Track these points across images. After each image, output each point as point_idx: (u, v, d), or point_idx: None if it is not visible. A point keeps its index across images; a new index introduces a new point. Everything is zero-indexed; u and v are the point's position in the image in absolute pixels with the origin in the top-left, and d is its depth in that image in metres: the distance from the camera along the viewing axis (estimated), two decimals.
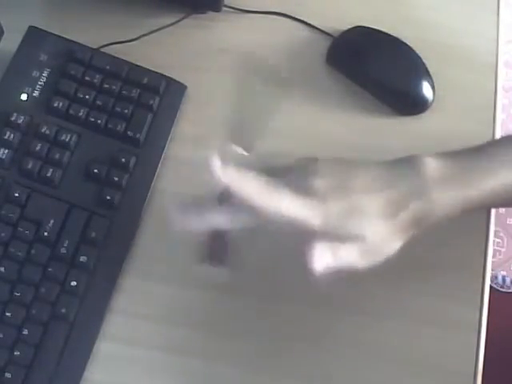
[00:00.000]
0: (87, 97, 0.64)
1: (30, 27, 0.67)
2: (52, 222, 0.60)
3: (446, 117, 0.68)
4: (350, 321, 0.61)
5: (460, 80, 0.69)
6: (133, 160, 0.63)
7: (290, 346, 0.60)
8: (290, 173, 0.51)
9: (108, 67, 0.66)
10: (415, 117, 0.68)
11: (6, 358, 0.57)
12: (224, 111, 0.68)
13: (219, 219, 0.52)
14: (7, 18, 0.66)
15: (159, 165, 0.65)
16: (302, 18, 0.71)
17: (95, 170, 0.63)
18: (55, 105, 0.64)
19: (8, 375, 0.57)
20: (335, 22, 0.71)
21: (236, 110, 0.67)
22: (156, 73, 0.66)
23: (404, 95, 0.68)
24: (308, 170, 0.51)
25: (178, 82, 0.67)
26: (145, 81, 0.65)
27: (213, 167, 0.49)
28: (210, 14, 0.71)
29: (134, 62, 0.67)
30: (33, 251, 0.60)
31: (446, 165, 0.52)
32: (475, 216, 0.65)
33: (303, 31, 0.71)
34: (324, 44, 0.70)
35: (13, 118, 0.63)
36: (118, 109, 0.64)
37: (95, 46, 0.67)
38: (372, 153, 0.66)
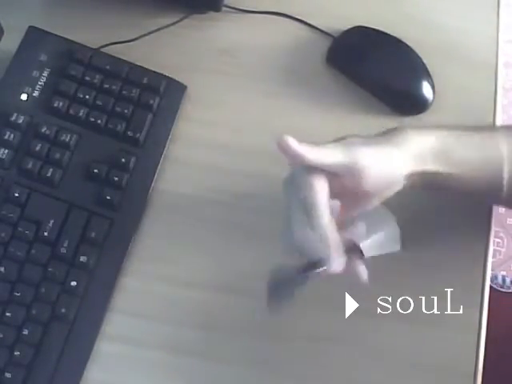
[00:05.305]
0: (87, 97, 0.64)
1: (30, 27, 0.67)
2: (52, 222, 0.60)
3: (445, 117, 0.68)
4: (350, 321, 0.60)
5: (460, 80, 0.69)
6: (133, 160, 0.63)
7: (290, 346, 0.61)
8: None
9: (108, 67, 0.66)
10: (415, 117, 0.68)
11: (6, 358, 0.57)
12: (224, 111, 0.68)
13: None
14: (7, 18, 0.66)
15: (159, 165, 0.64)
16: (302, 18, 0.71)
17: (95, 170, 0.63)
18: (55, 105, 0.64)
19: (8, 375, 0.57)
20: (335, 22, 0.71)
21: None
22: (156, 73, 0.66)
23: (404, 95, 0.68)
24: None
25: (178, 82, 0.67)
26: (145, 81, 0.65)
27: None
28: (210, 13, 0.71)
29: (134, 62, 0.67)
30: (33, 251, 0.60)
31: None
32: (475, 216, 0.65)
33: (303, 31, 0.71)
34: (324, 44, 0.70)
35: (13, 118, 0.63)
36: (118, 109, 0.64)
37: (95, 46, 0.67)
38: None
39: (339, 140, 0.53)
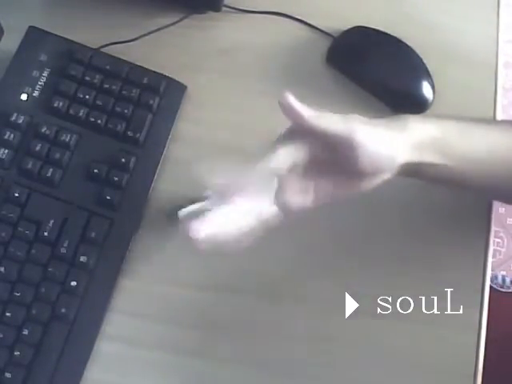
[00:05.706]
0: (87, 97, 0.64)
1: (30, 27, 0.67)
2: (52, 222, 0.60)
3: None
4: (350, 321, 0.61)
5: (460, 80, 0.69)
6: (133, 160, 0.63)
7: (290, 346, 0.60)
8: None
9: (108, 67, 0.66)
10: None
11: (6, 358, 0.57)
12: (224, 111, 0.68)
13: None
14: (7, 18, 0.66)
15: (159, 165, 0.64)
16: (302, 18, 0.71)
17: (95, 170, 0.63)
18: (55, 105, 0.64)
19: (8, 375, 0.57)
20: (335, 22, 0.71)
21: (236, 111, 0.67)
22: (156, 73, 0.66)
23: (404, 95, 0.68)
24: None
25: (178, 82, 0.67)
26: (145, 81, 0.65)
27: None
28: (210, 13, 0.71)
29: (134, 62, 0.67)
30: (33, 251, 0.60)
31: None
32: (475, 216, 0.65)
33: (303, 31, 0.71)
34: (324, 44, 0.70)
35: (13, 118, 0.63)
36: (118, 109, 0.64)
37: (95, 46, 0.67)
38: None
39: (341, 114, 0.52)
